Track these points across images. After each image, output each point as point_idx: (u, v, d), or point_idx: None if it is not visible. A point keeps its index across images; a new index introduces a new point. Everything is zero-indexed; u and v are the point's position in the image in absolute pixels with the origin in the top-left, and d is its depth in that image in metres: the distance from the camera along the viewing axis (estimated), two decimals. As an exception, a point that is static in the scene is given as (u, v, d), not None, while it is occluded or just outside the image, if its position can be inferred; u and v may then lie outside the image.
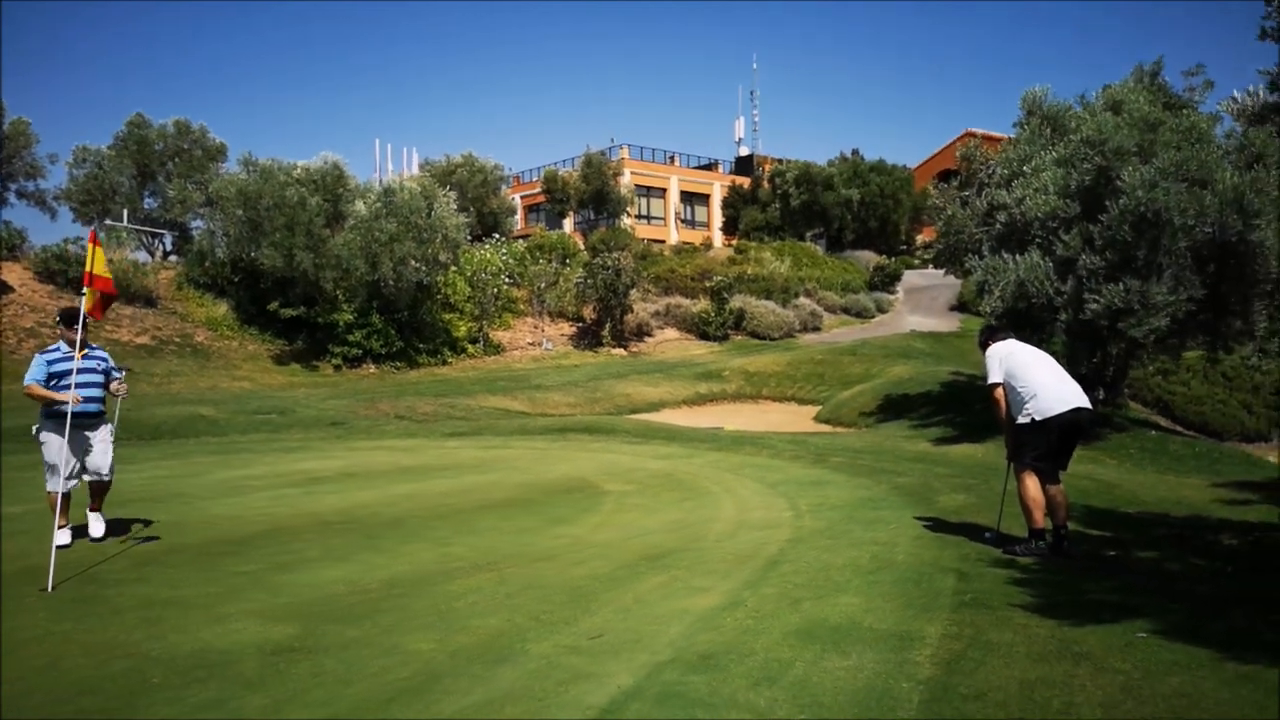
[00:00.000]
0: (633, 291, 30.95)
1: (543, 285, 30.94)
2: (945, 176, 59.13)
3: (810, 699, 3.71)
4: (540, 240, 35.73)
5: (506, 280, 30.12)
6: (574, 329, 31.39)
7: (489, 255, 30.14)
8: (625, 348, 30.64)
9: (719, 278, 33.64)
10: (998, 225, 13.62)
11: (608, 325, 30.66)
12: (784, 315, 33.69)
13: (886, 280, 41.17)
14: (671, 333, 32.64)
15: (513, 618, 4.96)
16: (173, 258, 30.14)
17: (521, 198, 53.76)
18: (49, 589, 5.49)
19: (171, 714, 3.69)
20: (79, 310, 6.36)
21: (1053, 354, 6.98)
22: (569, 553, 6.54)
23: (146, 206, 29.19)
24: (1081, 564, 6.07)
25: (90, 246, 6.13)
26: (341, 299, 24.50)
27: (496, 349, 28.55)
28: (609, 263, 29.81)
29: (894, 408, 19.21)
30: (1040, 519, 6.22)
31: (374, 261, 23.91)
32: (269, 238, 23.39)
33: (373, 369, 24.99)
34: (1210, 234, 10.80)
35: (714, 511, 8.13)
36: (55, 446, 6.40)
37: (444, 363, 26.68)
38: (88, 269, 6.06)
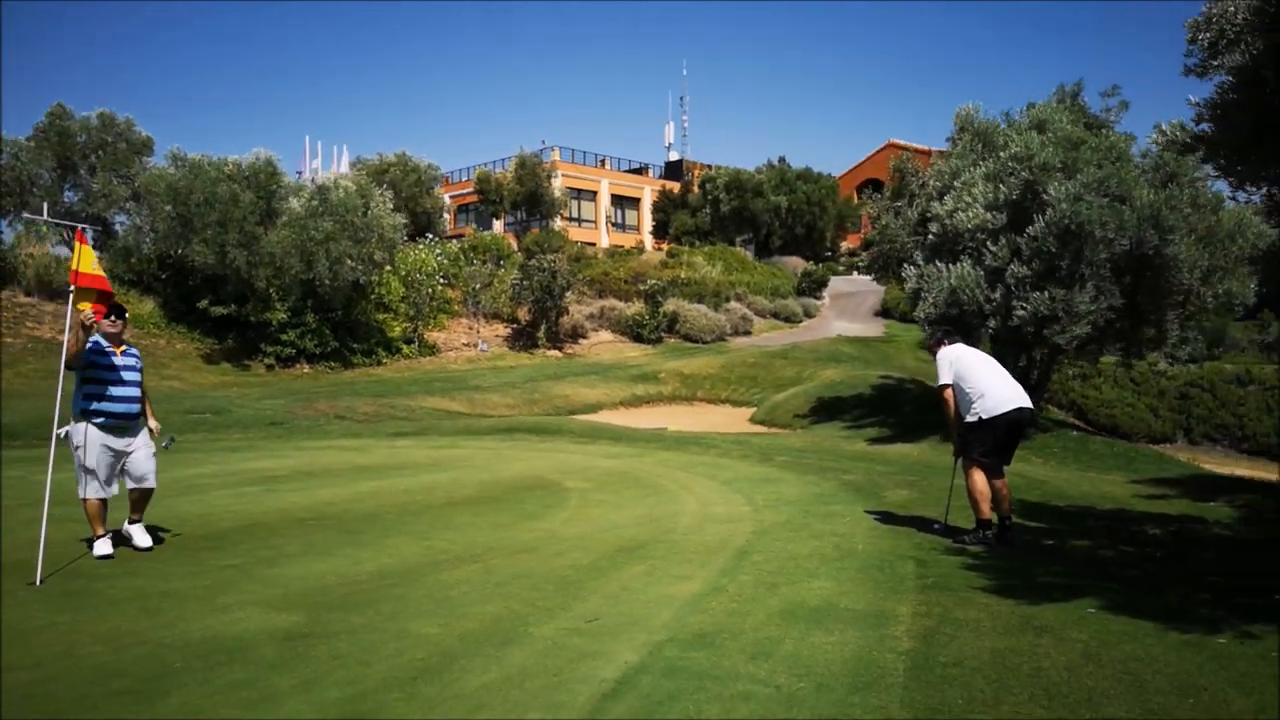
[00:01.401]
0: (568, 294, 31.18)
1: (478, 286, 30.94)
2: (869, 186, 60.71)
3: (804, 669, 4.06)
4: (474, 241, 35.71)
5: (441, 281, 30.07)
6: (509, 330, 31.46)
7: (423, 255, 30.06)
8: (560, 349, 30.83)
9: (653, 281, 34.10)
10: (930, 235, 14.28)
11: (543, 327, 30.82)
12: (716, 319, 34.29)
13: (814, 286, 42.18)
14: (606, 335, 32.95)
15: (508, 605, 5.20)
16: (95, 253, 29.18)
17: (451, 198, 53.43)
18: (38, 582, 5.53)
19: (203, 694, 3.85)
20: (120, 304, 6.41)
21: None
22: (547, 545, 6.79)
23: (67, 200, 28.27)
24: (1025, 551, 6.58)
25: (77, 245, 6.15)
26: (275, 297, 24.17)
27: (431, 350, 28.47)
28: (545, 264, 30.00)
29: (827, 409, 19.84)
30: (987, 510, 6.70)
31: (309, 260, 23.67)
32: (200, 234, 22.96)
33: (306, 369, 24.72)
34: (1128, 247, 11.58)
35: (677, 506, 8.46)
36: (94, 448, 6.09)
37: (379, 363, 26.52)
38: (73, 267, 6.06)
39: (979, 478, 6.68)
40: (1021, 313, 11.76)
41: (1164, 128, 6.10)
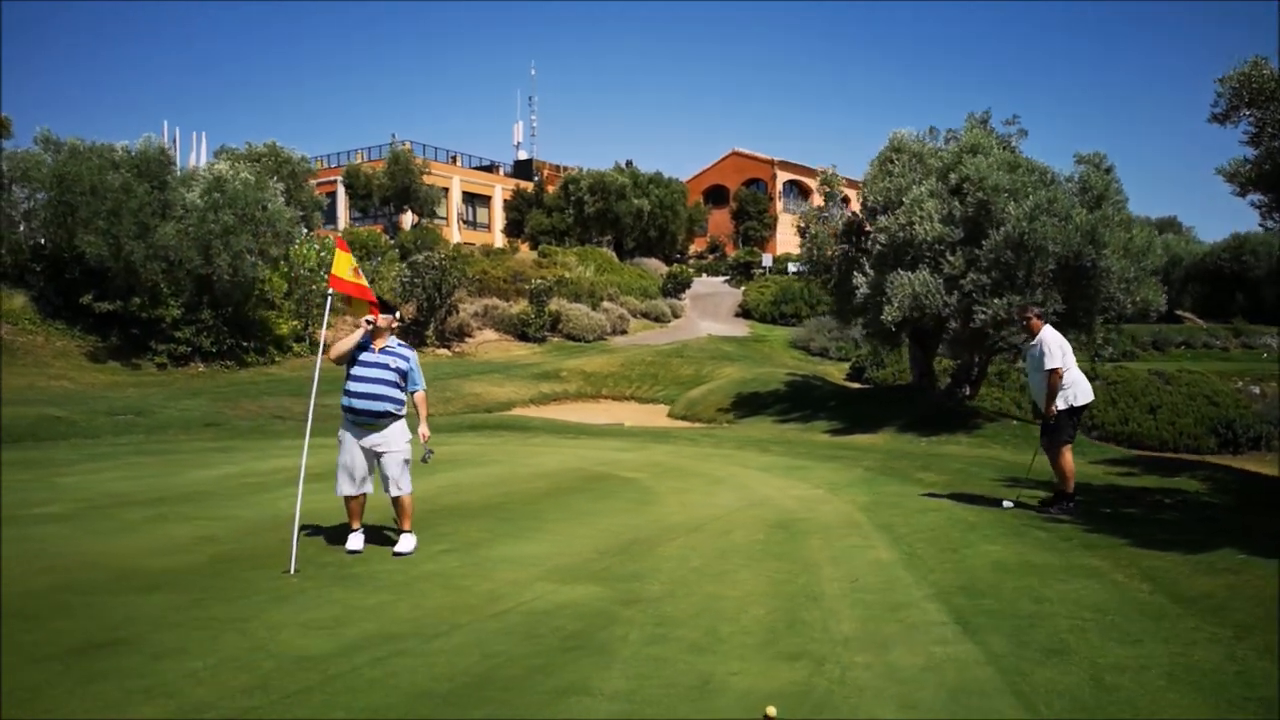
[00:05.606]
0: (458, 291, 31.11)
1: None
2: (715, 192, 62.86)
3: (1089, 606, 4.99)
4: (350, 236, 34.86)
5: (324, 277, 29.31)
6: (395, 328, 30.99)
7: (305, 251, 29.20)
8: (449, 348, 30.71)
9: (537, 281, 34.48)
10: (878, 246, 15.70)
11: (432, 325, 30.59)
12: (596, 318, 35.08)
13: (678, 287, 43.69)
14: (490, 334, 33.02)
15: (758, 573, 5.87)
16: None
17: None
18: (291, 571, 5.68)
19: (638, 645, 4.35)
20: (388, 303, 6.45)
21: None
22: (705, 526, 7.41)
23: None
24: (1096, 518, 7.80)
25: (336, 250, 6.36)
26: (166, 293, 22.95)
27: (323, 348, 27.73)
28: (435, 262, 29.84)
29: (748, 405, 21.00)
30: (1072, 484, 7.91)
31: (209, 254, 22.65)
32: (90, 225, 21.51)
33: (201, 367, 23.61)
34: (1070, 259, 13.38)
35: (757, 492, 9.24)
36: (345, 444, 6.18)
37: (272, 362, 25.62)
38: (332, 271, 6.29)
39: (1070, 458, 7.87)
40: (983, 316, 13.34)
41: (1229, 164, 7.58)
